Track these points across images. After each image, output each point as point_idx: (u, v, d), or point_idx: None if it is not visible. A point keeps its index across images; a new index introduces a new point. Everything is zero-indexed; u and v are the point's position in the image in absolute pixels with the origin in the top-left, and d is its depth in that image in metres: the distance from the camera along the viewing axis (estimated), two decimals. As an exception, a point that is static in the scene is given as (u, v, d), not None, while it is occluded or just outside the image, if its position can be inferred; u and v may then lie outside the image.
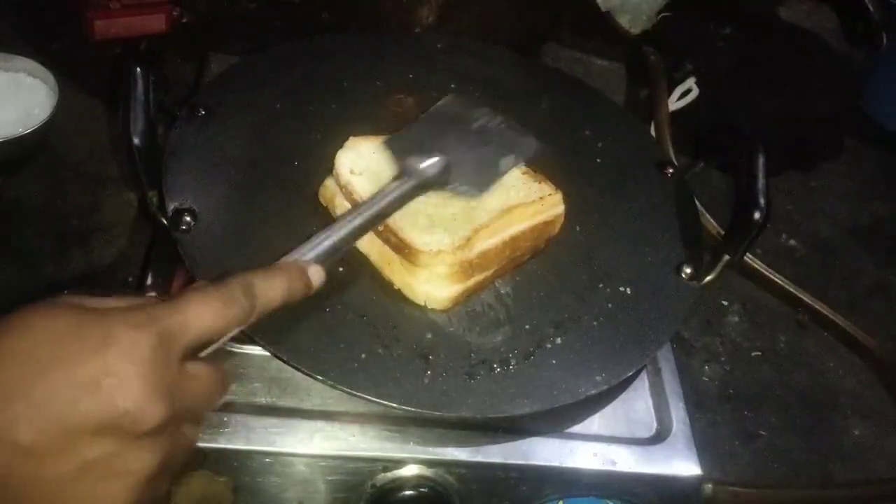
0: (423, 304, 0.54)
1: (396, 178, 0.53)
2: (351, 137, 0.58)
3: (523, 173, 0.59)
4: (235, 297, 0.39)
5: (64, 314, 0.34)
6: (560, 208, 0.59)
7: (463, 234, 0.54)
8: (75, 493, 0.33)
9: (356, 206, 0.52)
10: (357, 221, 0.49)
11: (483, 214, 0.55)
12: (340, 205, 0.57)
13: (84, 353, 0.33)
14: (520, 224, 0.56)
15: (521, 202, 0.56)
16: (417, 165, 0.53)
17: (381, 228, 0.53)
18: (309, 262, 0.45)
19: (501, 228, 0.55)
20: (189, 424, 0.38)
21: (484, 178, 0.56)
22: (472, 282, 0.55)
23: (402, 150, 0.55)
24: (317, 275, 0.45)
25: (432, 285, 0.53)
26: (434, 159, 0.54)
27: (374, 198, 0.51)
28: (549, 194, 0.58)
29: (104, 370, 0.33)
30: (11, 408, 0.32)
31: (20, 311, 0.34)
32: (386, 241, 0.54)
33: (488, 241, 0.54)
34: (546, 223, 0.58)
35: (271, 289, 0.41)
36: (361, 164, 0.56)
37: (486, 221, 0.55)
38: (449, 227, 0.54)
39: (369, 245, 0.55)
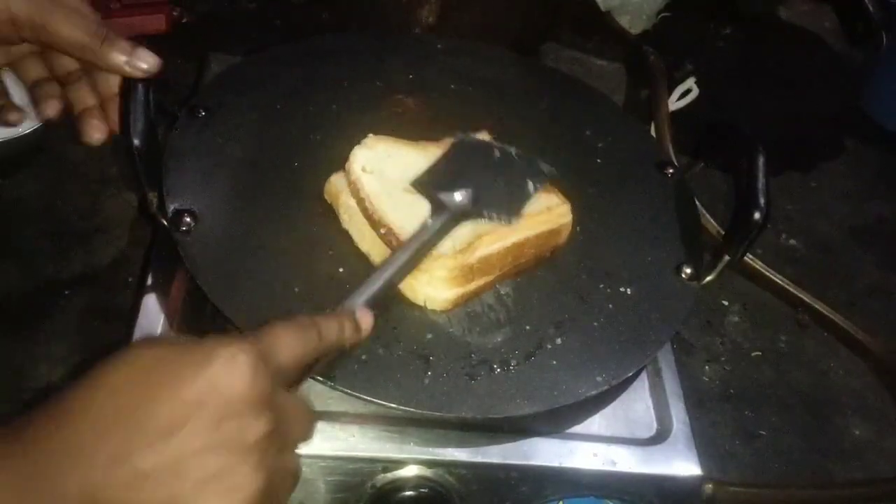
0: (422, 304, 0.54)
1: (432, 214, 0.54)
2: (371, 135, 0.58)
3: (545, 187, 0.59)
4: (306, 327, 0.41)
5: (167, 344, 0.36)
6: (567, 218, 0.58)
7: (465, 239, 0.54)
8: None
9: (398, 248, 0.52)
10: (401, 261, 0.50)
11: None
12: (345, 203, 0.57)
13: (188, 372, 0.34)
14: (524, 232, 0.56)
15: (529, 212, 0.56)
16: (451, 199, 0.54)
17: (382, 231, 0.53)
18: (357, 306, 0.46)
19: (505, 235, 0.55)
20: (289, 452, 0.38)
21: (514, 204, 0.57)
22: (472, 285, 0.55)
23: (432, 185, 0.56)
24: (365, 318, 0.46)
25: (432, 287, 0.53)
26: (466, 191, 0.54)
27: (414, 237, 0.52)
28: (557, 205, 0.58)
29: (209, 385, 0.34)
30: (126, 433, 0.32)
31: (128, 347, 0.35)
32: (388, 243, 0.54)
33: (491, 247, 0.54)
34: (552, 232, 0.58)
35: (331, 327, 0.43)
36: (374, 164, 0.57)
37: (490, 228, 0.55)
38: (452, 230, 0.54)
39: (370, 245, 0.55)
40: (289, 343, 0.39)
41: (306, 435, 0.40)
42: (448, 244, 0.53)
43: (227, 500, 0.34)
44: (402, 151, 0.59)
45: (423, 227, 0.52)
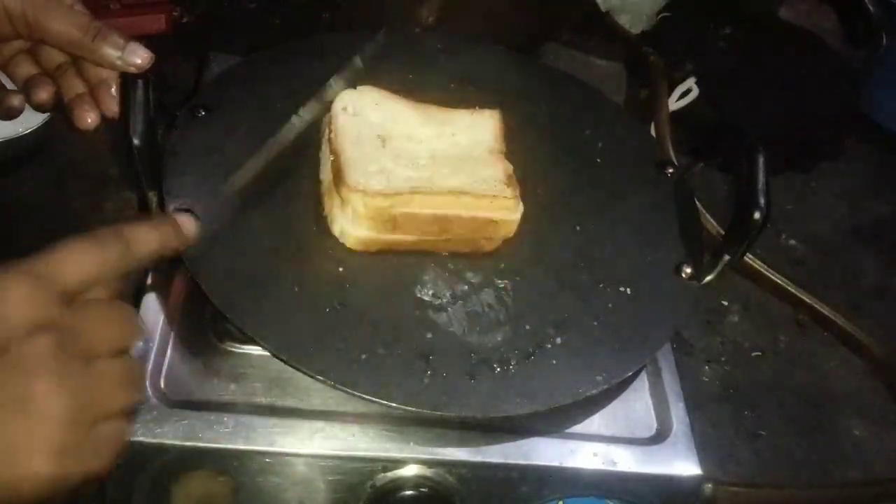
0: (337, 236, 0.56)
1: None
2: (364, 85, 0.61)
3: (507, 175, 0.59)
4: (106, 240, 0.40)
5: None
6: (513, 216, 0.57)
7: (397, 188, 0.55)
8: None
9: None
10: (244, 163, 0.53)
11: (434, 184, 0.57)
12: (323, 151, 0.59)
13: None
14: (459, 209, 0.55)
15: (473, 192, 0.56)
16: None
17: (331, 157, 0.57)
18: (180, 213, 0.47)
19: (439, 204, 0.55)
20: (106, 364, 0.38)
21: None
22: (389, 237, 0.55)
23: None
24: (187, 224, 0.46)
25: (350, 222, 0.54)
26: None
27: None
28: (505, 197, 0.57)
29: None
30: None
31: None
32: (333, 164, 0.56)
33: (419, 208, 0.55)
34: (489, 222, 0.57)
35: (142, 233, 0.42)
36: (360, 107, 0.60)
37: (428, 189, 0.55)
38: (391, 176, 0.56)
39: (328, 172, 0.58)
40: (78, 260, 0.38)
41: (114, 335, 0.39)
42: (373, 184, 0.54)
43: (29, 427, 0.34)
44: (392, 103, 0.61)
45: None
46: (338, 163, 0.56)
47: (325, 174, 0.58)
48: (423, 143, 0.61)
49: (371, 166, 0.57)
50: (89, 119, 0.54)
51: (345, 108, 0.60)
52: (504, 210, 0.57)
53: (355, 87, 0.62)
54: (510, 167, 0.59)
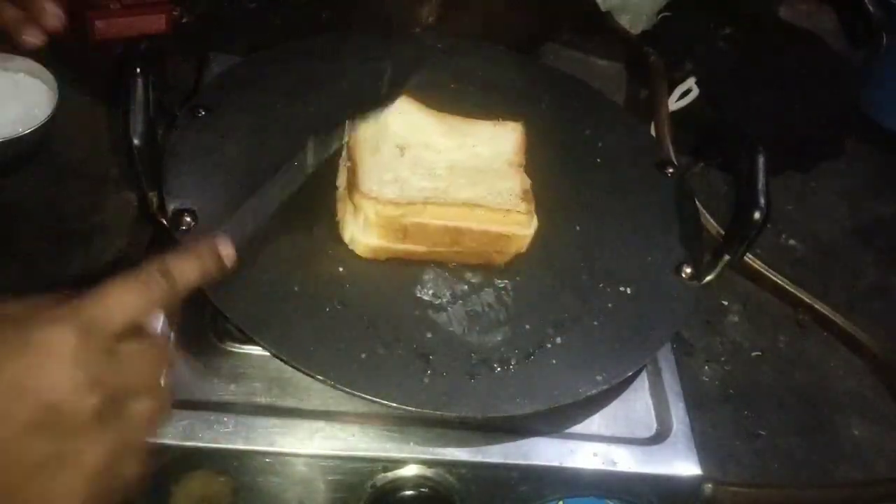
0: (347, 243, 0.56)
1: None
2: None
3: (524, 189, 0.58)
4: (154, 278, 0.40)
5: None
6: (527, 231, 0.57)
7: (410, 197, 0.55)
8: (33, 493, 0.34)
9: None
10: (269, 188, 0.52)
11: (449, 195, 0.56)
12: (342, 157, 0.60)
13: (2, 360, 0.34)
14: (472, 222, 0.55)
15: (487, 205, 0.56)
16: None
17: (348, 163, 0.57)
18: (217, 236, 0.46)
19: (451, 216, 0.55)
20: (139, 403, 0.38)
21: None
22: (399, 246, 0.55)
23: None
24: (225, 248, 0.45)
25: (361, 230, 0.54)
26: None
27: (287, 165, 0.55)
28: (518, 212, 0.56)
29: (26, 372, 0.33)
30: None
31: None
32: (348, 170, 0.56)
33: (430, 218, 0.54)
34: (502, 236, 0.56)
35: (186, 266, 0.42)
36: (383, 116, 0.61)
37: (442, 201, 0.55)
38: (406, 186, 0.56)
39: (343, 178, 0.58)
40: (127, 302, 0.38)
41: (152, 377, 0.39)
42: (387, 192, 0.54)
43: (69, 478, 0.34)
44: (415, 112, 0.62)
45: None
46: (353, 169, 0.56)
47: (341, 180, 0.58)
48: (443, 153, 0.60)
49: (386, 175, 0.57)
50: (33, 40, 0.54)
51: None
52: (517, 225, 0.56)
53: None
54: (528, 181, 0.59)
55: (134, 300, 0.38)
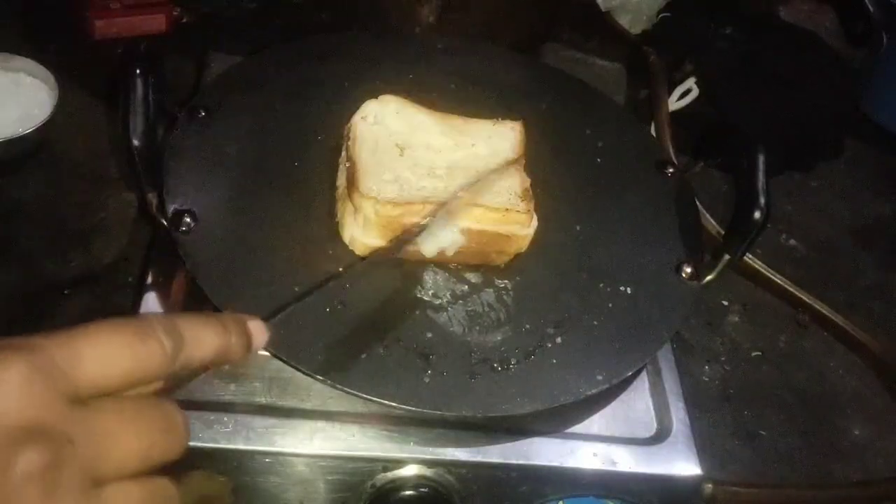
0: (347, 243, 0.55)
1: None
2: (385, 95, 0.62)
3: (523, 188, 0.58)
4: (154, 334, 0.30)
5: None
6: (526, 230, 0.57)
7: (409, 197, 0.55)
8: None
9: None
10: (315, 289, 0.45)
11: (448, 195, 0.56)
12: (342, 157, 0.59)
13: None
14: (472, 222, 0.55)
15: (487, 204, 0.56)
16: None
17: (347, 163, 0.57)
18: (252, 317, 0.36)
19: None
20: (118, 489, 0.28)
21: None
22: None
23: None
24: (259, 332, 0.35)
25: (360, 229, 0.54)
26: None
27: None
28: (518, 211, 0.56)
29: None
30: None
31: None
32: (348, 170, 0.56)
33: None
34: (502, 236, 0.56)
35: (203, 335, 0.32)
36: (381, 116, 0.60)
37: (441, 200, 0.55)
38: (405, 185, 0.56)
39: (343, 178, 0.58)
40: (107, 353, 0.29)
41: (148, 454, 0.29)
42: (386, 192, 0.54)
43: None
44: (414, 112, 0.62)
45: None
46: (353, 169, 0.56)
47: (341, 180, 0.58)
48: (442, 152, 0.60)
49: (386, 174, 0.57)
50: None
51: (365, 117, 0.60)
52: (516, 224, 0.56)
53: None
54: (527, 180, 0.59)
55: (117, 353, 0.29)
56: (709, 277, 0.60)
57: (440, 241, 0.55)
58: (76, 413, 0.27)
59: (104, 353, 0.29)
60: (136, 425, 0.29)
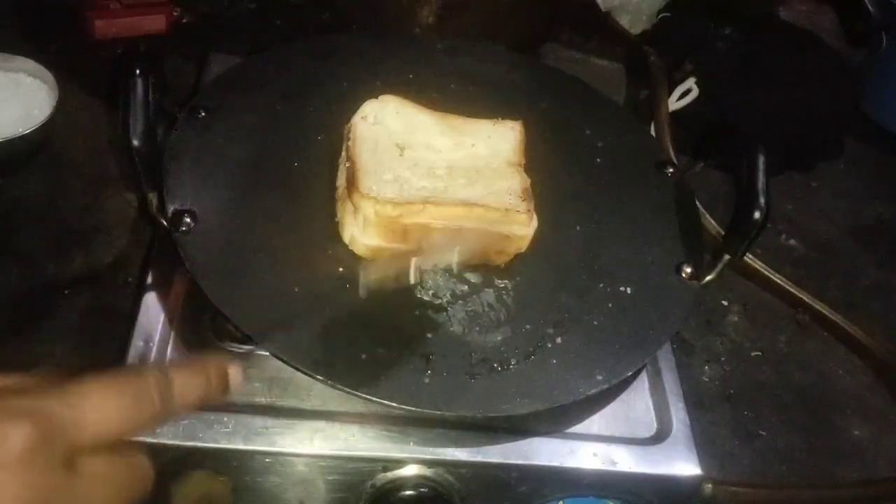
0: (347, 243, 0.55)
1: None
2: (385, 95, 0.62)
3: (523, 188, 0.58)
4: (149, 393, 0.33)
5: None
6: (526, 230, 0.57)
7: (409, 197, 0.55)
8: None
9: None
10: None
11: (449, 195, 0.56)
12: (342, 158, 0.59)
13: None
14: (472, 222, 0.55)
15: (486, 204, 0.56)
16: None
17: (347, 163, 0.57)
18: (231, 361, 0.39)
19: (450, 215, 0.55)
20: None
21: None
22: (400, 247, 0.55)
23: None
24: (237, 377, 0.38)
25: (360, 230, 0.54)
26: None
27: None
28: (518, 211, 0.56)
29: None
30: None
31: None
32: (348, 170, 0.56)
33: (429, 218, 0.54)
34: (502, 236, 0.56)
35: (190, 389, 0.35)
36: (380, 116, 0.60)
37: (441, 201, 0.55)
38: (405, 185, 0.56)
39: (343, 178, 0.58)
40: (107, 415, 0.31)
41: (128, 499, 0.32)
42: (386, 192, 0.54)
43: None
44: (414, 112, 0.62)
45: None
46: (353, 169, 0.56)
47: (341, 180, 0.58)
48: (442, 153, 0.60)
49: (386, 174, 0.57)
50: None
51: (365, 117, 0.60)
52: (516, 224, 0.56)
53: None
54: (527, 180, 0.59)
55: (117, 413, 0.31)
56: (709, 277, 0.60)
57: (440, 260, 0.56)
58: (70, 479, 0.29)
59: (104, 415, 0.31)
60: (115, 482, 0.32)
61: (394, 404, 0.49)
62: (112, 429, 0.31)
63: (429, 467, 0.52)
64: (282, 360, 0.49)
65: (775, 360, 0.77)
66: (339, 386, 0.48)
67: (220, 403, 0.41)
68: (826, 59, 0.98)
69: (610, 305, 0.57)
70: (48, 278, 0.68)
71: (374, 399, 0.48)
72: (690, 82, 0.94)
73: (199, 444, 0.50)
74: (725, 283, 0.81)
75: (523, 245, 0.58)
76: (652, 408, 0.59)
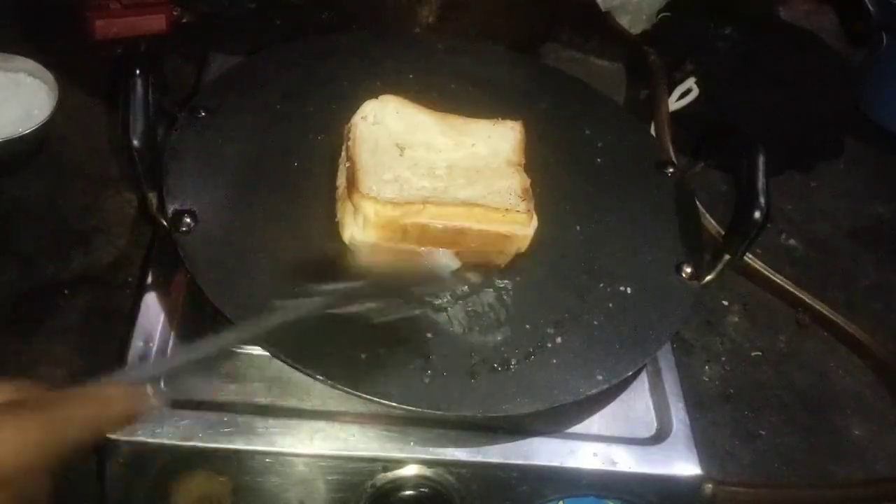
0: (347, 243, 0.55)
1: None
2: (385, 95, 0.62)
3: (523, 188, 0.58)
4: (23, 411, 0.31)
5: None
6: (526, 230, 0.56)
7: (409, 197, 0.55)
8: None
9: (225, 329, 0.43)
10: (202, 345, 0.41)
11: (449, 195, 0.56)
12: (342, 158, 0.59)
13: None
14: (472, 222, 0.55)
15: (486, 204, 0.56)
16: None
17: (347, 163, 0.57)
18: (137, 386, 0.37)
19: (450, 215, 0.54)
20: None
21: None
22: (401, 246, 0.55)
23: None
24: (142, 401, 0.37)
25: (360, 230, 0.54)
26: None
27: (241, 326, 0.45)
28: (518, 211, 0.56)
29: None
30: None
31: None
32: (348, 170, 0.56)
33: (431, 219, 0.54)
34: (502, 236, 0.56)
35: (77, 419, 0.33)
36: (380, 116, 0.60)
37: (441, 201, 0.55)
38: (405, 185, 0.56)
39: (343, 178, 0.58)
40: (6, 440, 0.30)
41: None
42: (386, 192, 0.54)
43: None
44: (414, 112, 0.62)
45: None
46: (353, 169, 0.56)
47: (341, 180, 0.58)
48: (442, 152, 0.60)
49: (386, 174, 0.57)
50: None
51: (365, 117, 0.60)
52: (516, 224, 0.56)
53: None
54: (527, 180, 0.59)
55: (21, 440, 0.30)
56: (709, 277, 0.60)
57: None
58: None
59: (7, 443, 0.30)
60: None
61: (394, 404, 0.49)
62: (17, 457, 0.30)
63: (429, 467, 0.52)
64: (282, 360, 0.49)
65: (775, 360, 0.77)
66: (339, 386, 0.48)
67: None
68: (826, 59, 0.99)
69: (610, 305, 0.57)
70: (48, 278, 0.68)
71: (374, 399, 0.48)
72: (690, 82, 0.94)
73: (199, 444, 0.50)
74: (725, 283, 0.81)
75: (523, 245, 0.58)
76: (652, 408, 0.59)
